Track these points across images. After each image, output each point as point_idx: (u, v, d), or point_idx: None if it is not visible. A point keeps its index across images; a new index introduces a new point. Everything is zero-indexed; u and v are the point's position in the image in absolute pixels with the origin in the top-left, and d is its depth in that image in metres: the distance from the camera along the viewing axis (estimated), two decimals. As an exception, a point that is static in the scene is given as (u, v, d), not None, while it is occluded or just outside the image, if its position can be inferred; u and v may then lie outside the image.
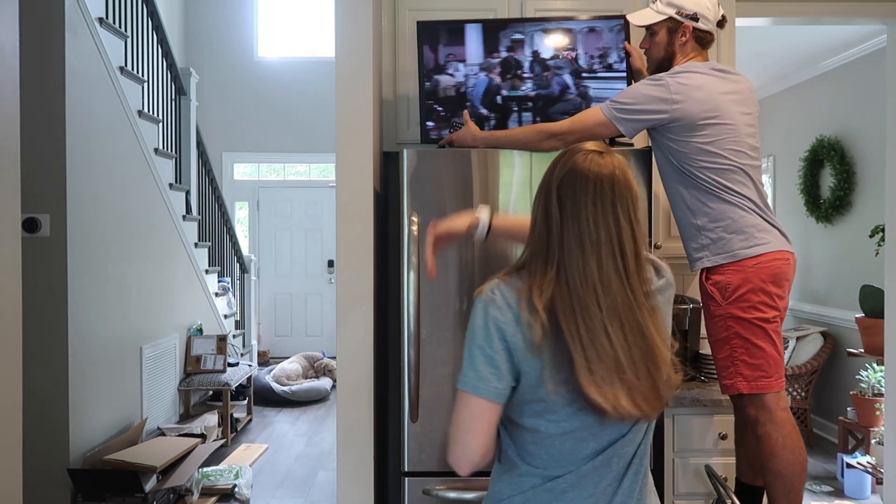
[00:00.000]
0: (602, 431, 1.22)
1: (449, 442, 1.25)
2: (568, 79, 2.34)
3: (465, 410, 1.22)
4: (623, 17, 2.32)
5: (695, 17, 2.13)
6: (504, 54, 2.33)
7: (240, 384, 5.31)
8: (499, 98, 2.35)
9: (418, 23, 2.36)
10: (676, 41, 2.15)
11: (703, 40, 2.16)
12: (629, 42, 2.33)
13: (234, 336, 6.26)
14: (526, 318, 1.19)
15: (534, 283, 1.21)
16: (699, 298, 2.61)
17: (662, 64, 2.18)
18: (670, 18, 2.14)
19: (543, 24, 2.34)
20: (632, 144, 2.33)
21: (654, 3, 2.19)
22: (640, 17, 2.20)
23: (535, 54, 2.33)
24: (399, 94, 2.62)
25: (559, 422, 1.21)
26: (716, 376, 2.54)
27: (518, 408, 1.24)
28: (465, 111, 2.30)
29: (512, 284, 1.24)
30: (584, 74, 2.33)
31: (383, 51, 2.60)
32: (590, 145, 1.27)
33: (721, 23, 2.18)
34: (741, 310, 2.00)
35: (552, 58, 2.33)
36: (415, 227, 2.13)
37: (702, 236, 2.06)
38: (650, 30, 2.20)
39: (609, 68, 2.33)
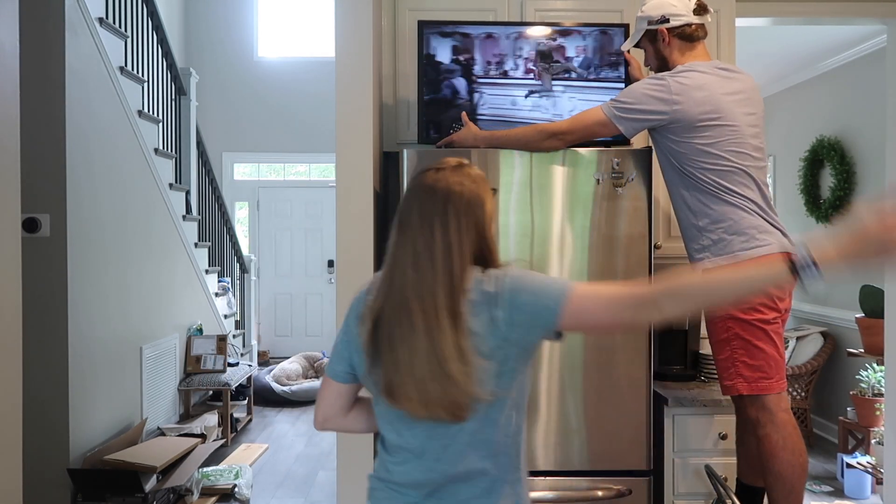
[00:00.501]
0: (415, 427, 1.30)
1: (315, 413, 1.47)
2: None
3: (321, 382, 1.46)
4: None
5: (664, 20, 2.17)
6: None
7: (240, 384, 5.31)
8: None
9: (419, 21, 2.35)
10: (662, 47, 2.19)
11: (685, 34, 2.18)
12: (629, 52, 2.36)
13: (234, 336, 6.26)
14: (360, 328, 1.32)
15: (373, 295, 1.32)
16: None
17: (660, 71, 2.20)
18: (645, 31, 2.20)
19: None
20: (630, 144, 2.33)
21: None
22: (627, 43, 2.30)
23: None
24: (399, 95, 2.62)
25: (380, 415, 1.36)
26: (716, 376, 2.54)
27: None
28: (464, 112, 2.30)
29: (368, 289, 1.36)
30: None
31: (383, 51, 2.60)
32: (443, 162, 1.36)
33: (699, 10, 2.18)
34: (742, 311, 1.99)
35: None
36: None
37: (703, 237, 2.06)
38: (640, 47, 2.26)
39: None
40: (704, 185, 2.04)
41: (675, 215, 2.19)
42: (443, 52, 2.35)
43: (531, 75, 2.36)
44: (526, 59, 2.35)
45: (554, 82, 2.36)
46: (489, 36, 2.35)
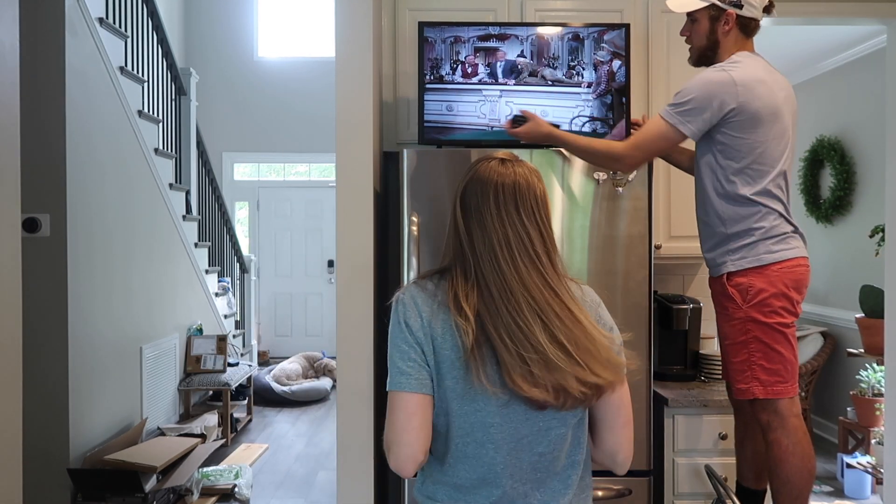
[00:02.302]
0: (537, 418, 1.24)
1: (388, 447, 1.25)
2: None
3: (399, 410, 1.23)
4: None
5: (738, 4, 2.02)
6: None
7: (240, 384, 5.31)
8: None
9: (420, 22, 2.35)
10: (719, 29, 2.05)
11: (747, 28, 2.06)
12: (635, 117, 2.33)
13: (234, 336, 6.26)
14: (456, 320, 1.21)
15: (458, 290, 1.23)
16: (699, 299, 2.62)
17: (706, 53, 2.09)
18: (712, 5, 2.03)
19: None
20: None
21: None
22: (680, 4, 2.09)
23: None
24: (399, 94, 2.62)
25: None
26: (716, 376, 2.54)
27: None
28: (522, 110, 2.23)
29: (423, 286, 1.28)
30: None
31: (383, 51, 2.60)
32: (499, 154, 1.32)
33: (768, 8, 2.07)
34: (762, 314, 1.95)
35: None
36: (415, 227, 2.13)
37: (730, 242, 2.00)
38: (691, 17, 2.09)
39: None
40: (748, 191, 1.96)
41: (700, 219, 2.11)
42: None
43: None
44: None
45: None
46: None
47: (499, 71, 2.33)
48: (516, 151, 2.20)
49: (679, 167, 2.34)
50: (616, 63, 2.33)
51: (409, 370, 1.22)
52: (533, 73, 2.33)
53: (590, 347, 1.20)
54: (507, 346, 1.18)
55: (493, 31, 2.33)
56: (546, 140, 2.14)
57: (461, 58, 2.33)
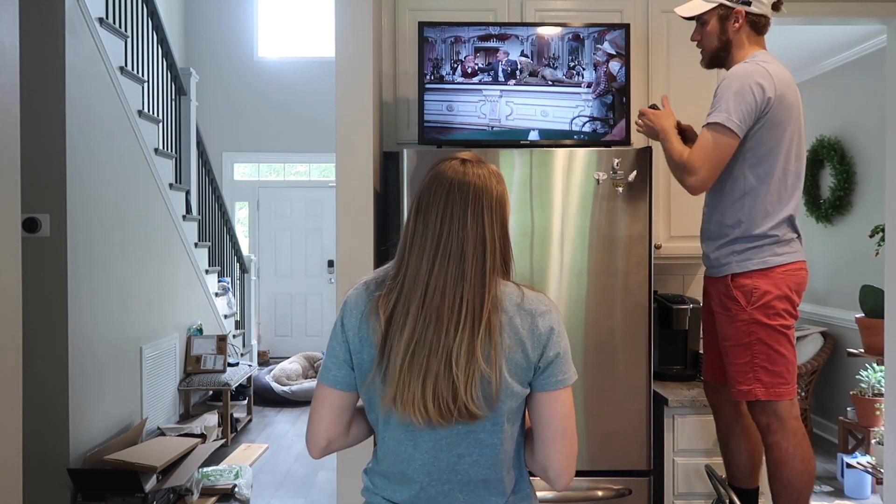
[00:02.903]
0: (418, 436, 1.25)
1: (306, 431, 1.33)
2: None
3: (314, 399, 1.32)
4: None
5: (747, 1, 2.02)
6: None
7: (240, 384, 5.30)
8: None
9: (420, 22, 2.35)
10: (730, 28, 2.04)
11: (757, 25, 2.05)
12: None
13: (234, 336, 6.26)
14: (373, 323, 1.24)
15: (385, 290, 1.25)
16: (699, 299, 2.61)
17: (718, 54, 2.08)
18: (720, 5, 2.03)
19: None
20: (630, 144, 2.33)
21: None
22: (689, 9, 2.09)
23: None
24: (399, 94, 2.62)
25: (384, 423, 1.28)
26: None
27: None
28: (664, 96, 2.18)
29: (367, 286, 1.29)
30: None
31: (383, 51, 2.60)
32: (461, 155, 1.30)
33: (777, 5, 2.07)
34: (766, 316, 1.95)
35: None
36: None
37: (739, 244, 1.99)
38: (700, 20, 2.08)
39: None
40: (760, 193, 1.95)
41: (707, 220, 2.10)
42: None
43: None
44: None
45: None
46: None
47: (499, 71, 2.33)
48: (516, 151, 2.21)
49: None
50: (616, 63, 2.32)
51: (330, 365, 1.29)
52: (533, 73, 2.33)
53: (425, 370, 1.18)
54: (401, 347, 1.20)
55: (493, 31, 2.33)
56: (657, 135, 2.08)
57: (461, 58, 2.32)
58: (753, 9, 2.03)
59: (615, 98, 2.32)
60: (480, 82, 2.33)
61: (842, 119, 4.71)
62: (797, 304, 1.99)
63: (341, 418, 1.31)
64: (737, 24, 2.04)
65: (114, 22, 4.13)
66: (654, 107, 2.15)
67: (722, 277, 2.03)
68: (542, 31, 2.34)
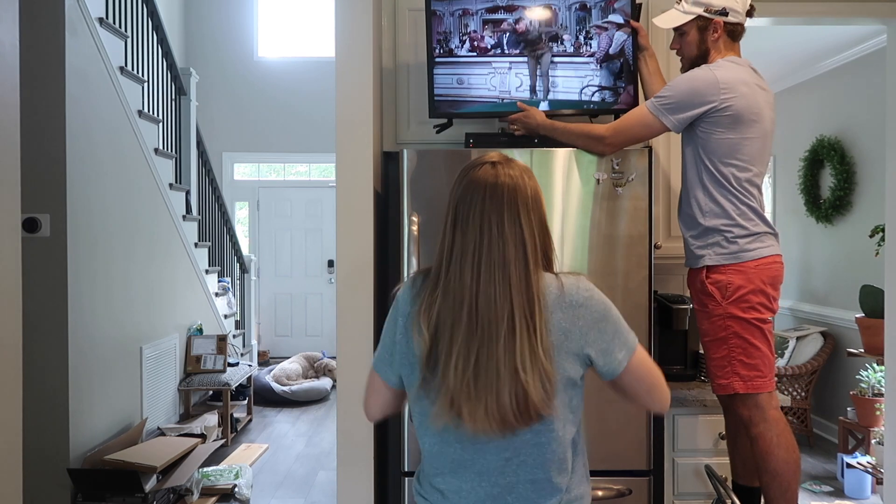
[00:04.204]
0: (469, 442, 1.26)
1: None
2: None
3: (369, 383, 1.39)
4: None
5: (724, 12, 2.09)
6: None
7: (240, 384, 5.31)
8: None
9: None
10: (709, 38, 2.12)
11: (734, 33, 2.14)
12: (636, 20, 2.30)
13: (234, 336, 6.26)
14: (415, 337, 1.25)
15: (424, 301, 1.25)
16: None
17: (697, 62, 2.14)
18: (699, 17, 2.10)
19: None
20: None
21: (678, 3, 2.16)
22: (667, 20, 2.16)
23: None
24: (399, 94, 2.61)
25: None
26: (716, 376, 2.53)
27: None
28: (519, 102, 2.27)
29: (414, 283, 1.31)
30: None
31: (383, 50, 2.60)
32: (490, 157, 1.30)
33: (750, 12, 2.15)
34: (741, 310, 2.01)
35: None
36: (415, 227, 2.13)
37: (709, 236, 2.07)
38: (679, 31, 2.16)
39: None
40: (727, 184, 2.03)
41: (681, 210, 2.18)
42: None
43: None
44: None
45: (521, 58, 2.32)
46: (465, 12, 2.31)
47: (506, 42, 2.31)
48: (517, 151, 2.21)
49: None
50: (622, 33, 2.29)
51: (386, 358, 1.33)
52: (536, 42, 2.31)
53: (494, 381, 1.19)
54: (455, 361, 1.20)
55: (500, 2, 2.30)
56: (536, 130, 2.20)
57: (469, 31, 2.31)
58: (730, 18, 2.11)
59: (623, 66, 2.31)
60: (489, 54, 2.31)
61: (841, 119, 4.71)
62: (774, 298, 2.04)
63: (395, 402, 1.39)
64: (715, 34, 2.12)
65: (114, 22, 4.13)
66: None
67: (698, 271, 2.10)
68: (538, 2, 2.30)
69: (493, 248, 1.21)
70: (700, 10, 2.10)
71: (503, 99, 2.32)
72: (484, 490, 1.26)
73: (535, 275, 1.22)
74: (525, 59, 2.31)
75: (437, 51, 2.31)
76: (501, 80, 2.32)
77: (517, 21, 2.30)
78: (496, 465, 1.25)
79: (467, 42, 2.31)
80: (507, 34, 2.31)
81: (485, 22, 2.31)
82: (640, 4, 2.36)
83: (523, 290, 1.20)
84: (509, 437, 1.22)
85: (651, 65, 2.30)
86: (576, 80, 2.32)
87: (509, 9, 2.31)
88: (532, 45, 2.31)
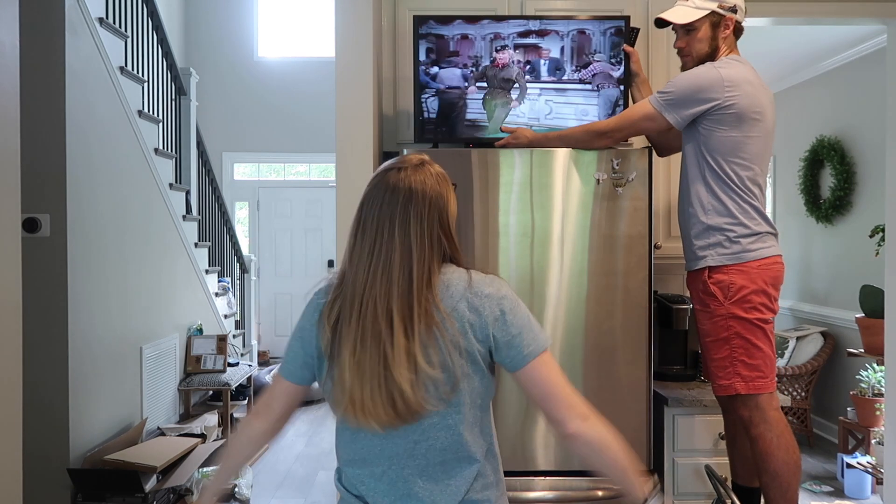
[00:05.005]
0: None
1: None
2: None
3: (271, 388, 1.43)
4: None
5: (734, 10, 2.10)
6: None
7: (240, 384, 5.31)
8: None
9: (415, 16, 2.33)
10: (720, 35, 2.11)
11: (739, 32, 2.15)
12: (631, 45, 2.32)
13: (234, 336, 6.26)
14: (321, 329, 1.30)
15: (330, 297, 1.30)
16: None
17: (704, 60, 2.12)
18: (713, 12, 2.09)
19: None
20: (630, 143, 2.33)
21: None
22: (680, 15, 2.13)
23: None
24: (399, 94, 2.61)
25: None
26: (716, 376, 2.53)
27: None
28: (503, 127, 2.29)
29: (325, 289, 1.34)
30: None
31: (383, 51, 2.60)
32: (404, 161, 1.33)
33: (744, 11, 2.17)
34: (743, 310, 2.00)
35: None
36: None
37: (711, 235, 2.05)
38: (688, 28, 2.13)
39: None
40: (731, 183, 2.03)
41: (681, 210, 2.17)
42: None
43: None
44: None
45: (529, 86, 2.31)
46: (464, 37, 2.31)
47: (542, 69, 2.31)
48: (517, 151, 2.21)
49: (670, 151, 2.39)
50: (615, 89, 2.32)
51: (290, 363, 1.38)
52: (559, 68, 2.31)
53: (377, 378, 1.23)
54: (343, 355, 1.25)
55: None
56: (530, 144, 2.21)
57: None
58: (739, 17, 2.13)
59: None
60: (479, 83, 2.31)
61: (842, 119, 4.71)
62: (774, 298, 2.04)
63: (280, 400, 1.41)
64: (726, 31, 2.12)
65: (114, 22, 4.13)
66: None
67: (699, 272, 2.09)
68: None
69: (383, 250, 1.26)
70: (714, 6, 2.08)
71: (532, 126, 2.30)
72: (395, 473, 1.30)
73: (423, 278, 1.25)
74: (555, 85, 2.32)
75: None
76: (531, 106, 2.31)
77: (550, 47, 2.30)
78: (405, 449, 1.29)
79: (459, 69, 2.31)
80: (542, 60, 2.31)
81: (516, 46, 2.30)
82: (637, 29, 2.36)
83: (405, 296, 1.24)
84: (412, 423, 1.26)
85: (644, 91, 2.32)
86: (602, 108, 2.32)
87: (541, 33, 2.30)
88: (560, 72, 2.32)
